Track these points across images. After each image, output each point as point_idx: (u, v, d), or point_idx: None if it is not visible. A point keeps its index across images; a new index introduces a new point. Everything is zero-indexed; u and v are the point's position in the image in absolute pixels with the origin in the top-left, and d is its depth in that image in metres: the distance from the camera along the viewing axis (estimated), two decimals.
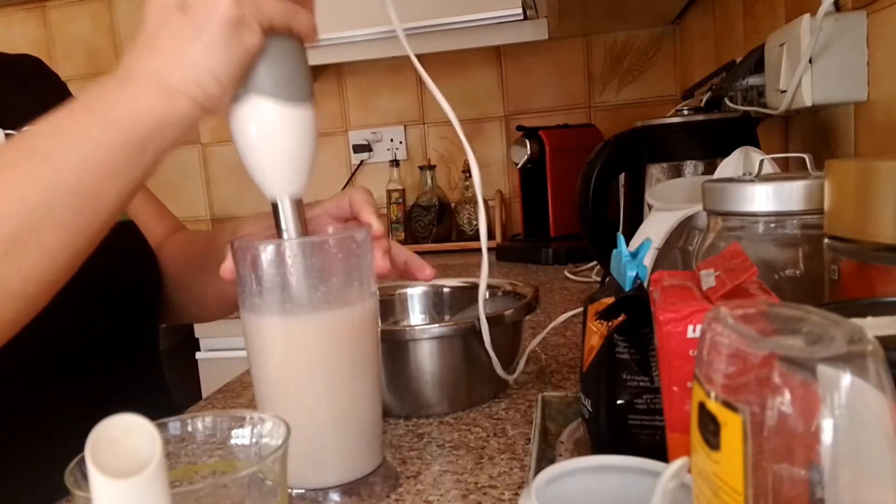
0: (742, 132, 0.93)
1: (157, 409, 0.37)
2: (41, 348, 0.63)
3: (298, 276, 0.48)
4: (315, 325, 0.48)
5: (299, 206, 0.50)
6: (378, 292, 0.53)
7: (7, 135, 0.65)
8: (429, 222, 1.84)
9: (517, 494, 0.49)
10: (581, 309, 0.51)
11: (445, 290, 0.82)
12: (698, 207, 0.68)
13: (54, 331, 0.64)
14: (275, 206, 0.49)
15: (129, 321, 0.74)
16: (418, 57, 0.56)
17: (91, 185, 0.44)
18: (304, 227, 0.50)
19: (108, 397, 0.67)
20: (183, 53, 0.44)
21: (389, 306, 0.80)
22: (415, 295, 0.80)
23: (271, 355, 0.49)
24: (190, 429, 0.37)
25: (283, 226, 0.49)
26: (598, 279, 1.24)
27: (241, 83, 0.46)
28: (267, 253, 0.47)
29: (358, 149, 2.00)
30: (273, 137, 0.47)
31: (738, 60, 1.03)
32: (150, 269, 0.78)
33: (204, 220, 2.13)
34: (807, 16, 0.75)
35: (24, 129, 0.57)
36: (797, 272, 0.51)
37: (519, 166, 1.61)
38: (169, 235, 0.85)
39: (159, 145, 0.46)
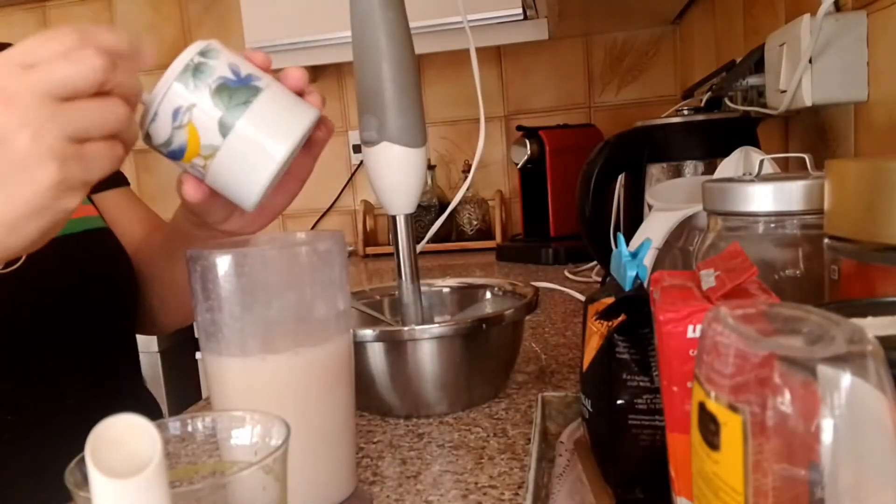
0: (742, 132, 0.93)
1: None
2: (16, 357, 0.64)
3: (257, 291, 0.44)
4: (287, 367, 0.45)
5: (410, 219, 0.66)
6: (349, 309, 0.49)
7: None
8: (429, 222, 1.84)
9: (517, 494, 0.49)
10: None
11: (445, 290, 0.82)
12: (698, 207, 0.68)
13: (27, 342, 0.65)
14: (394, 220, 0.66)
15: (103, 328, 0.73)
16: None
17: None
18: (414, 238, 0.66)
19: (85, 405, 0.66)
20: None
21: (389, 306, 0.80)
22: None
23: (234, 395, 0.46)
24: (190, 429, 0.37)
25: (400, 236, 0.66)
26: (599, 279, 1.24)
27: (376, 130, 0.61)
28: (223, 264, 0.43)
29: (358, 149, 2.00)
30: (397, 171, 0.62)
31: (738, 60, 1.03)
32: (122, 274, 0.76)
33: None
34: (807, 16, 0.75)
35: None
36: (797, 272, 0.51)
37: (519, 166, 1.61)
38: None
39: None
